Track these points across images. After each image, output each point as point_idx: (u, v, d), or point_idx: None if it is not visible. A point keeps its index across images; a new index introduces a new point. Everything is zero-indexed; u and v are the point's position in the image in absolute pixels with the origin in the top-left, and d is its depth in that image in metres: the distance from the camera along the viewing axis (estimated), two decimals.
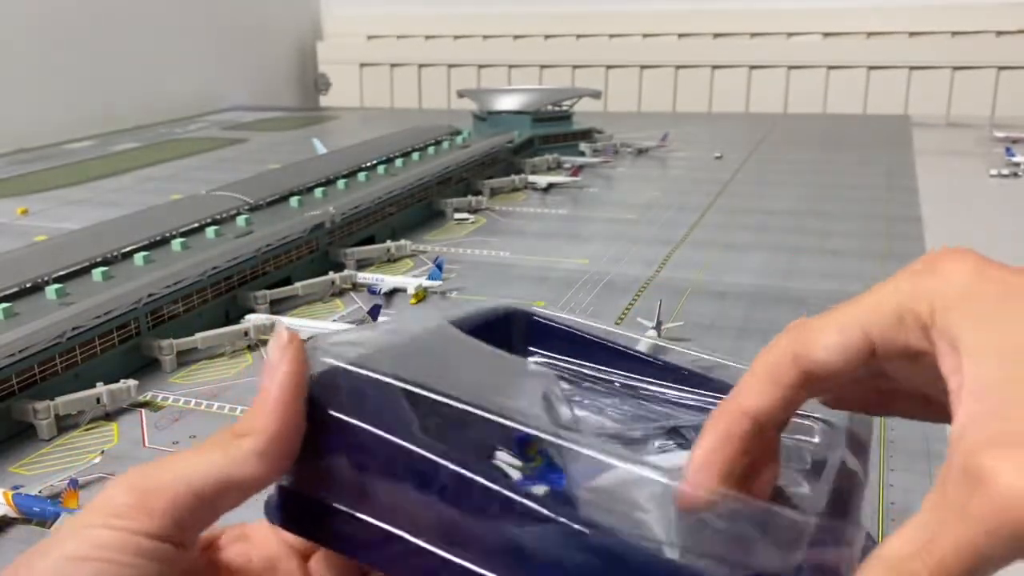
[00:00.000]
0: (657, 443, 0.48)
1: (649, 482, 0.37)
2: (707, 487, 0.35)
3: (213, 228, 2.77)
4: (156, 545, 0.33)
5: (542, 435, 0.39)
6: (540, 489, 0.38)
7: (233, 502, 0.35)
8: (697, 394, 0.57)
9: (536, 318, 0.56)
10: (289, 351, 0.38)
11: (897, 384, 0.36)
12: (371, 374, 0.40)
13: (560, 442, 0.40)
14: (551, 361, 0.55)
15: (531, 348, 0.55)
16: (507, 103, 5.22)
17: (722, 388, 0.59)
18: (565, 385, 0.50)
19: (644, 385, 0.56)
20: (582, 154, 5.07)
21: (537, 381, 0.49)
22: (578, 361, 0.56)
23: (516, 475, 0.39)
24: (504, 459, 0.40)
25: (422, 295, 2.74)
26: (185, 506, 0.34)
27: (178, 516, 0.33)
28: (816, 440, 0.49)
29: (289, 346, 0.38)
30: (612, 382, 0.56)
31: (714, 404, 0.54)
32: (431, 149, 4.26)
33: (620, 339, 0.59)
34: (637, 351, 0.59)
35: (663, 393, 0.57)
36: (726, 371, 0.59)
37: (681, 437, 0.50)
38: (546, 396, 0.48)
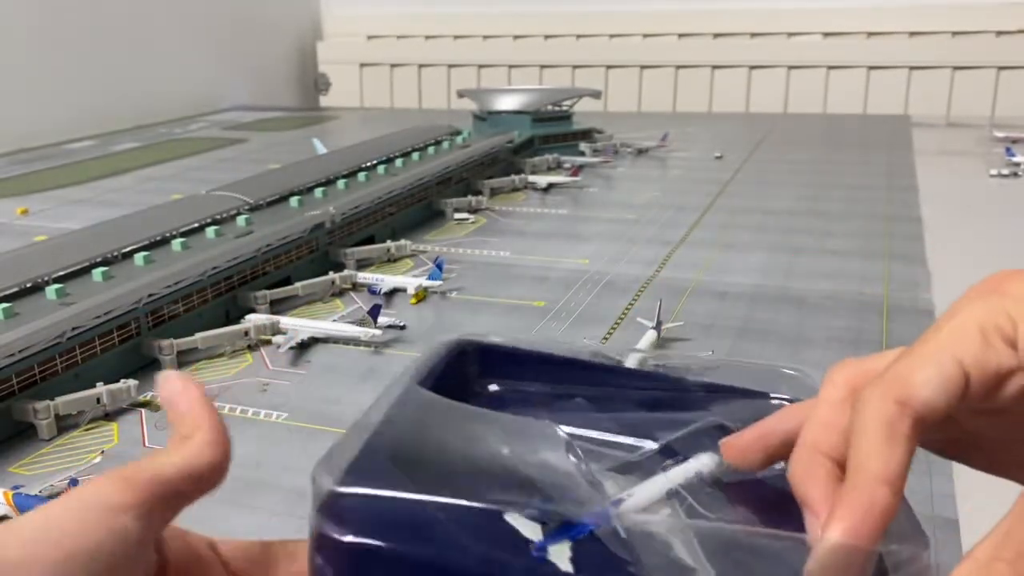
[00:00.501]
0: (660, 466, 0.48)
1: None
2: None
3: (213, 228, 2.77)
4: (141, 519, 0.35)
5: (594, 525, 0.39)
6: (563, 551, 0.38)
7: (197, 491, 0.37)
8: (669, 395, 0.57)
9: (487, 346, 0.55)
10: (187, 382, 0.40)
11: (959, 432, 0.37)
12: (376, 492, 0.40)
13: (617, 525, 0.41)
14: (512, 387, 0.54)
15: (488, 378, 0.54)
16: (507, 103, 5.22)
17: (688, 387, 0.59)
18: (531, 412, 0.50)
19: (611, 395, 0.56)
20: (582, 154, 5.07)
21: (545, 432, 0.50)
22: (539, 383, 0.55)
23: (536, 534, 0.39)
24: (519, 520, 0.40)
25: (422, 295, 2.74)
26: (160, 494, 0.36)
27: (154, 502, 0.35)
28: None
29: (186, 380, 0.40)
30: (576, 397, 0.55)
31: (689, 405, 0.55)
32: (431, 149, 4.26)
33: (579, 352, 0.58)
34: (596, 361, 0.59)
35: (633, 398, 0.57)
36: (690, 368, 0.59)
37: (675, 453, 0.50)
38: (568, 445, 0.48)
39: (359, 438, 0.41)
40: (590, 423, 0.51)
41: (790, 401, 0.55)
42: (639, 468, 0.48)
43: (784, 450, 0.37)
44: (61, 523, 0.33)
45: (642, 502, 0.42)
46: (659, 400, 0.55)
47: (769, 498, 0.49)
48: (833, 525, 0.33)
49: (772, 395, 0.59)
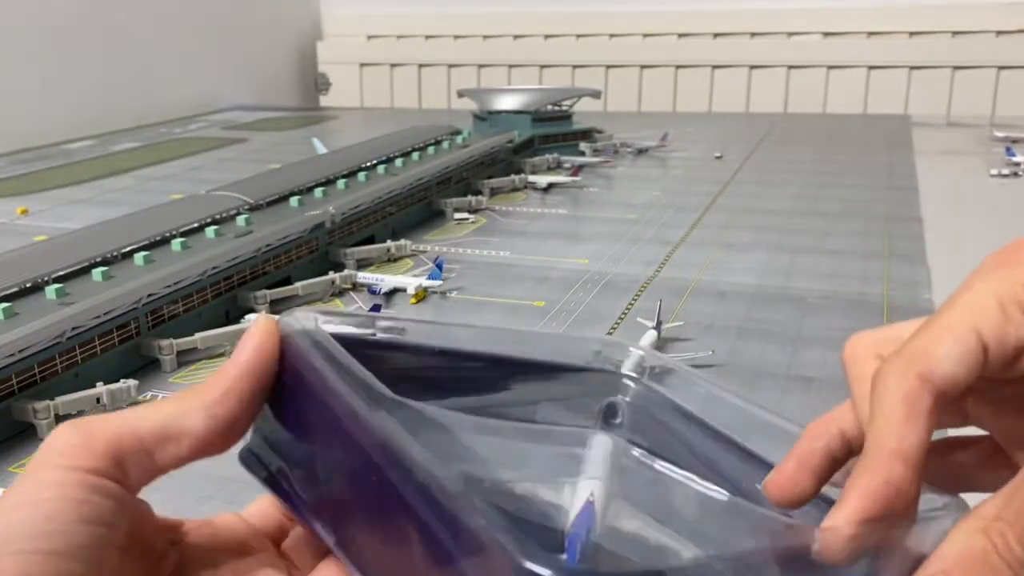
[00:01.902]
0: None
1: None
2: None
3: (213, 228, 2.77)
4: (101, 481, 0.33)
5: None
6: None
7: (175, 454, 0.35)
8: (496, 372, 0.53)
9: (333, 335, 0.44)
10: (261, 332, 0.38)
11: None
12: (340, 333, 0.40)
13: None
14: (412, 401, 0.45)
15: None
16: (507, 103, 5.22)
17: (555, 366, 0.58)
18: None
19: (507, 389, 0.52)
20: (582, 154, 5.07)
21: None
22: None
23: None
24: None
25: (422, 295, 2.74)
26: (127, 448, 0.34)
27: (119, 457, 0.33)
28: None
29: (263, 326, 0.38)
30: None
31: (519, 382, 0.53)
32: (431, 149, 4.25)
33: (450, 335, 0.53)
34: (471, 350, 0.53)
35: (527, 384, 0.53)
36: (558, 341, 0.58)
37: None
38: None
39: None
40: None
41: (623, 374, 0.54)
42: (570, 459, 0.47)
43: (831, 466, 0.36)
44: (15, 491, 0.31)
45: (603, 502, 0.43)
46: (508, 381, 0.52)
47: (679, 462, 0.49)
48: (841, 511, 0.33)
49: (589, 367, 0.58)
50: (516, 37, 8.09)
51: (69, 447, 0.33)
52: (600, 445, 0.48)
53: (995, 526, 0.31)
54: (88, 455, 0.33)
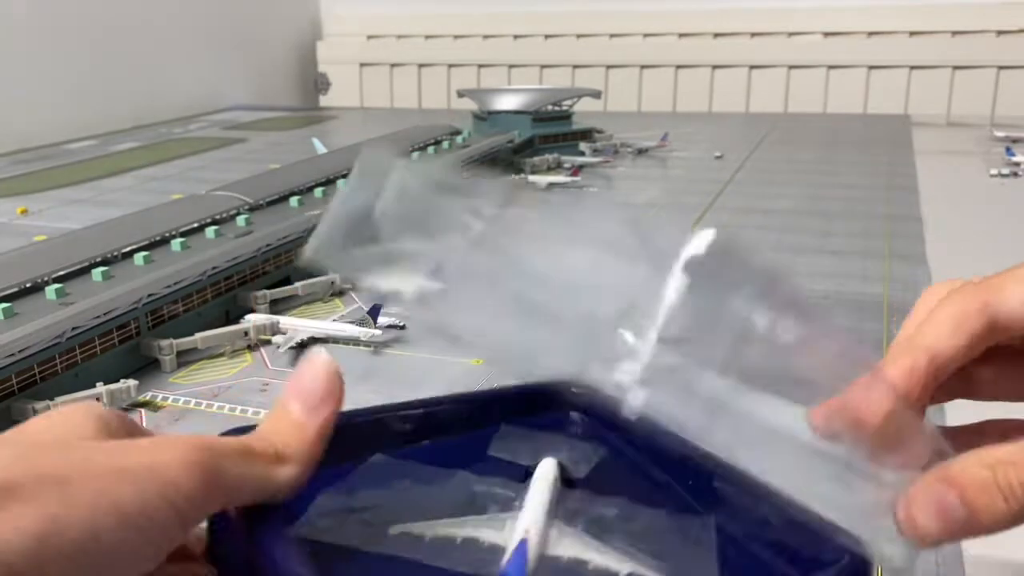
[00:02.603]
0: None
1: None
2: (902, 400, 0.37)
3: (213, 228, 2.77)
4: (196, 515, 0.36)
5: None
6: None
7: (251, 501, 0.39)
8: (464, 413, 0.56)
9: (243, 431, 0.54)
10: (335, 390, 0.40)
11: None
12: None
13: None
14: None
15: None
16: (507, 103, 5.21)
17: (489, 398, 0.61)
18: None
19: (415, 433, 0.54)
20: (582, 154, 5.07)
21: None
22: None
23: None
24: None
25: None
26: (224, 500, 0.37)
27: (214, 505, 0.36)
28: None
29: (335, 382, 0.40)
30: (375, 453, 0.52)
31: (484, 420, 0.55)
32: (431, 149, 4.25)
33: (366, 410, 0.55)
34: (382, 411, 0.56)
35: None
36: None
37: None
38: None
39: None
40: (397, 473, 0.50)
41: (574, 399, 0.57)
42: (493, 498, 0.48)
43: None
44: (119, 489, 0.32)
45: (540, 534, 0.44)
46: (445, 423, 0.55)
47: (618, 482, 0.52)
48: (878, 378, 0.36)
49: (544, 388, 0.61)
50: (516, 37, 8.09)
51: (179, 477, 0.36)
52: (545, 468, 0.50)
53: (1002, 466, 0.34)
54: (190, 494, 0.36)
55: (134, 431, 0.38)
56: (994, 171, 4.39)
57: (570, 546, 0.43)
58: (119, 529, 0.32)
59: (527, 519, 0.45)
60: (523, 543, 0.42)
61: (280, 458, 0.38)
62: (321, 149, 4.73)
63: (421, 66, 8.39)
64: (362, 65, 8.58)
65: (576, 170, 4.68)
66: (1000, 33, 6.74)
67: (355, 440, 0.50)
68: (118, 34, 6.76)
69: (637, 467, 0.52)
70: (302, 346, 2.34)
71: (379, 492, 0.48)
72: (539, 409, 0.57)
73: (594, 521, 0.46)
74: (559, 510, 0.47)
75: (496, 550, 0.43)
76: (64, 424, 0.35)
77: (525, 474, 0.50)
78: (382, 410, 0.55)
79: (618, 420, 0.51)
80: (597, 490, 0.49)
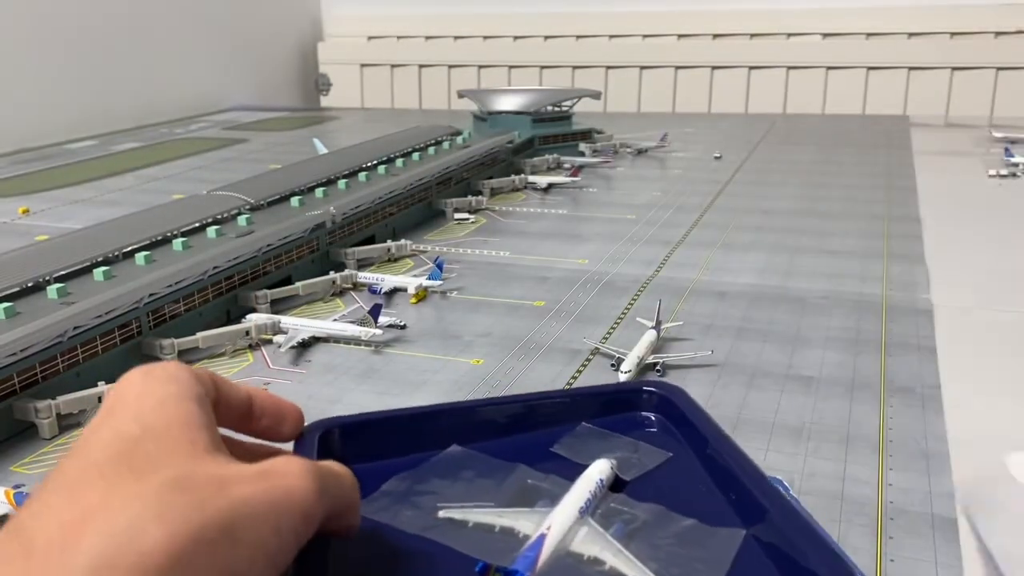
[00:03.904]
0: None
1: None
2: None
3: (214, 228, 2.78)
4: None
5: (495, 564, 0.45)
6: None
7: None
8: (531, 413, 0.62)
9: (349, 424, 0.58)
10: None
11: None
12: None
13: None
14: (377, 462, 0.57)
15: (355, 455, 0.56)
16: (507, 103, 5.22)
17: (544, 401, 0.67)
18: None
19: (480, 429, 0.59)
20: (582, 154, 5.08)
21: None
22: (406, 445, 0.58)
23: None
24: None
25: (422, 295, 2.75)
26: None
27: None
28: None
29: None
30: (450, 444, 0.58)
31: (552, 418, 0.61)
32: (431, 149, 4.26)
33: (438, 405, 0.64)
34: (454, 406, 0.64)
35: (500, 423, 0.61)
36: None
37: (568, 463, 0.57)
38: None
39: None
40: (468, 464, 0.55)
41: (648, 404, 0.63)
42: (543, 493, 0.52)
43: None
44: (271, 540, 0.38)
45: (561, 530, 0.46)
46: (524, 419, 0.60)
47: (668, 486, 0.54)
48: None
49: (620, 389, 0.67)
50: (516, 38, 8.10)
51: (307, 501, 0.42)
52: (595, 469, 0.54)
53: None
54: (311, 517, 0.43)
55: (219, 386, 0.45)
56: (992, 172, 4.40)
57: (593, 546, 0.46)
58: (266, 570, 0.37)
59: (556, 515, 0.48)
60: (541, 537, 0.46)
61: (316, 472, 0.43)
62: (322, 149, 4.73)
63: (421, 67, 8.40)
64: (363, 66, 8.60)
65: (576, 170, 4.69)
66: (998, 34, 6.75)
67: (437, 431, 0.57)
68: (120, 35, 6.77)
69: (690, 473, 0.56)
70: (303, 345, 2.35)
71: (443, 480, 0.52)
72: (617, 409, 0.62)
73: (627, 524, 0.48)
74: (599, 509, 0.50)
75: (526, 541, 0.46)
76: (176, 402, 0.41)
77: (582, 471, 0.53)
78: (465, 405, 0.62)
79: (688, 418, 0.58)
80: (643, 493, 0.53)
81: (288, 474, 0.39)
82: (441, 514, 0.48)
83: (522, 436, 0.58)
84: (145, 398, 0.40)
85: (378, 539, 0.45)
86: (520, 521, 0.47)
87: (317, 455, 0.51)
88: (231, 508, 0.36)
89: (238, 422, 0.48)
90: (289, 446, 0.51)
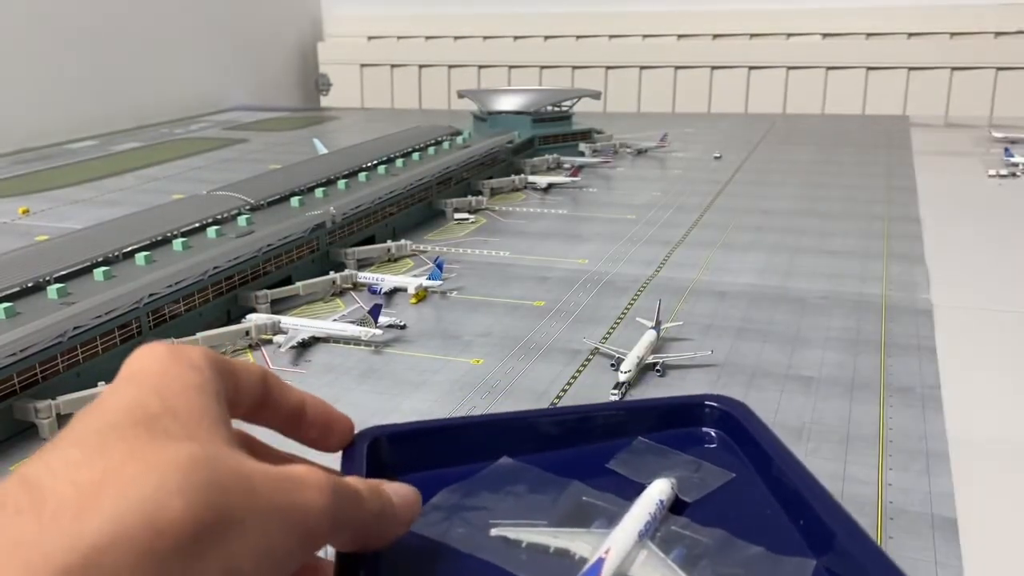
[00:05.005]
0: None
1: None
2: None
3: (214, 228, 2.78)
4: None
5: None
6: None
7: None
8: (586, 426, 0.59)
9: (398, 432, 0.55)
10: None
11: None
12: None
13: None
14: (427, 472, 0.53)
15: (404, 465, 0.53)
16: (507, 103, 5.22)
17: (599, 413, 0.62)
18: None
19: (534, 440, 0.56)
20: (582, 154, 5.08)
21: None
22: (457, 455, 0.55)
23: None
24: None
25: (422, 295, 2.75)
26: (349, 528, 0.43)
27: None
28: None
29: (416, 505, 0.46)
30: (500, 455, 0.55)
31: (609, 431, 0.58)
32: (431, 149, 4.26)
33: (491, 416, 0.61)
34: (508, 417, 0.60)
35: (554, 435, 0.58)
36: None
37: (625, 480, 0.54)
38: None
39: None
40: (519, 478, 0.53)
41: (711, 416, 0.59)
42: (599, 512, 0.50)
43: None
44: (280, 543, 0.36)
45: (620, 554, 0.44)
46: (577, 432, 0.57)
47: (732, 509, 0.51)
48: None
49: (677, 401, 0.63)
50: (516, 38, 8.10)
51: (317, 502, 0.40)
52: (655, 489, 0.50)
53: None
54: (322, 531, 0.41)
55: (235, 372, 0.44)
56: (992, 172, 4.40)
57: (653, 572, 0.44)
58: (271, 573, 0.36)
59: (614, 538, 0.45)
60: (599, 562, 0.43)
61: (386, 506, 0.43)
62: (322, 149, 4.74)
63: (421, 67, 8.40)
64: (363, 66, 8.59)
65: (576, 170, 4.69)
66: (998, 35, 6.75)
67: (486, 441, 0.54)
68: (120, 35, 6.77)
69: (754, 495, 0.52)
70: (303, 345, 2.35)
71: (495, 495, 0.50)
72: (675, 423, 0.58)
73: (689, 550, 0.46)
74: (659, 532, 0.47)
75: (583, 564, 0.44)
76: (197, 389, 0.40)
77: (639, 490, 0.50)
78: (517, 415, 0.58)
79: (751, 434, 0.55)
80: (705, 516, 0.49)
81: (307, 486, 0.38)
82: (494, 532, 0.46)
83: (574, 450, 0.56)
84: (168, 378, 0.38)
85: (429, 555, 0.44)
86: (576, 542, 0.45)
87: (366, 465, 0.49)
88: (250, 502, 0.35)
89: (284, 425, 0.45)
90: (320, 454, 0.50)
